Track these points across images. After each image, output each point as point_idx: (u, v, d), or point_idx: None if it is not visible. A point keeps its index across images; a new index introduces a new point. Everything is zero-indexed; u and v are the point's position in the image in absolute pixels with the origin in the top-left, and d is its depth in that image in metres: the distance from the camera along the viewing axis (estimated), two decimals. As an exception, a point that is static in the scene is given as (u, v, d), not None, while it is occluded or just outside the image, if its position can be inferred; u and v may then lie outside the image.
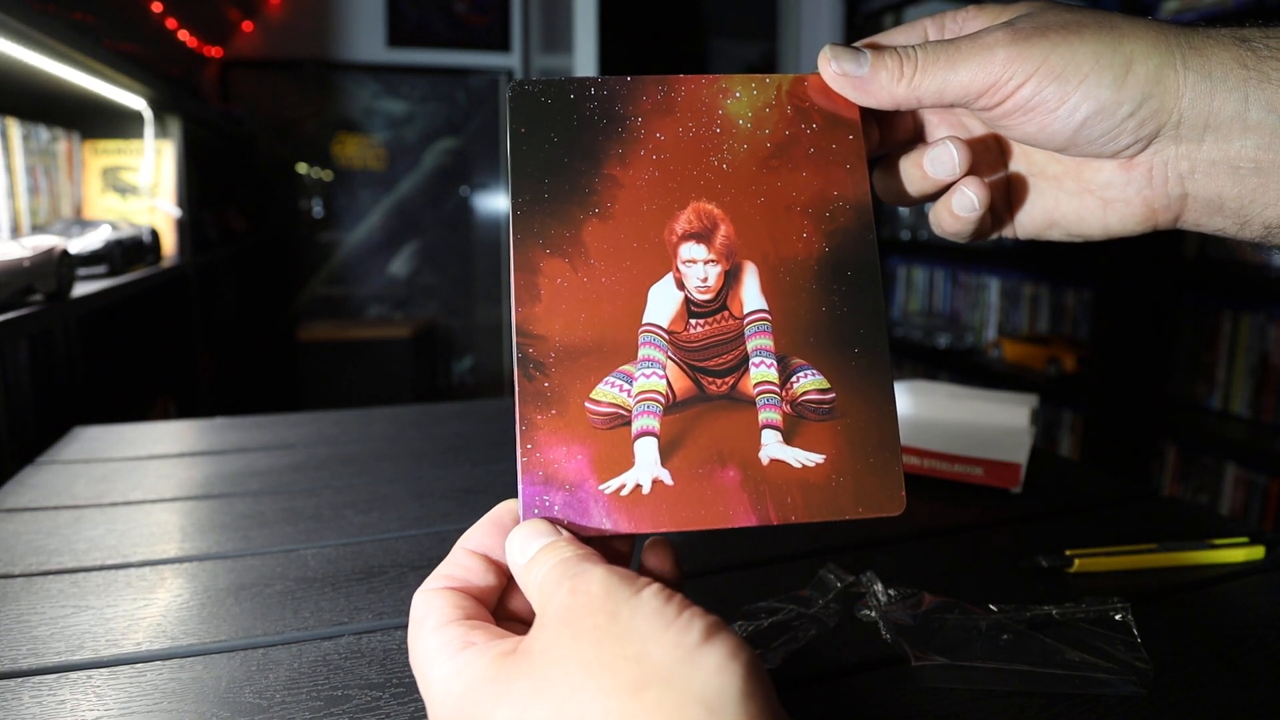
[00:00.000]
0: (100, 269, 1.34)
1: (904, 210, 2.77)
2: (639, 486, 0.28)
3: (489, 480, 0.71)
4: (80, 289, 1.16)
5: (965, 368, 2.41)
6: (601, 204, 0.30)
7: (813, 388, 0.30)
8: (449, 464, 0.75)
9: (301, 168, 3.16)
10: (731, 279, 0.30)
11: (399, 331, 2.95)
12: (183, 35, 2.44)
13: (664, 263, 0.30)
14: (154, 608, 0.48)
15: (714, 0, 4.47)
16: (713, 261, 0.30)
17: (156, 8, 2.13)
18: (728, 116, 0.32)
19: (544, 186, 0.30)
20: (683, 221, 0.30)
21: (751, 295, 0.30)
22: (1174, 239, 1.90)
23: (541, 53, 2.85)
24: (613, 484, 0.28)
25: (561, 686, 0.23)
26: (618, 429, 0.28)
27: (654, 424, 0.29)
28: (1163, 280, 1.92)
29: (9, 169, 1.32)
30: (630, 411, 0.29)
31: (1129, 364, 1.94)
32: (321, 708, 0.38)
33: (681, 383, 0.29)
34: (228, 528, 0.60)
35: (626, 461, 0.28)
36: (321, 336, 2.91)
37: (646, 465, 0.28)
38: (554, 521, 0.28)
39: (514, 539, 0.28)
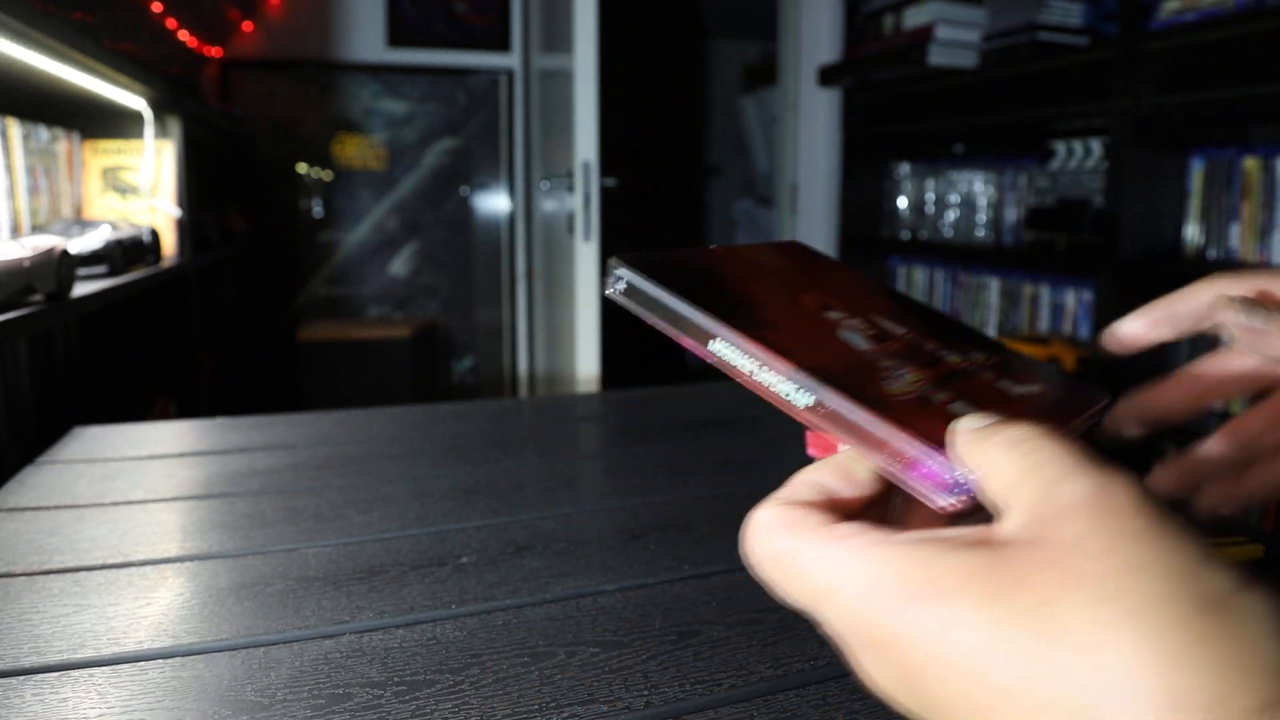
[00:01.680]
0: (100, 269, 1.34)
1: (904, 210, 2.77)
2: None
3: (489, 480, 0.71)
4: (80, 289, 1.16)
5: (965, 368, 2.40)
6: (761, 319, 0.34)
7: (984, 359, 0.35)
8: (449, 464, 0.75)
9: (301, 168, 3.16)
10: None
11: (399, 331, 2.95)
12: (183, 35, 2.44)
13: (831, 325, 0.34)
14: (155, 606, 0.48)
15: (714, 0, 4.47)
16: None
17: (156, 8, 2.13)
18: None
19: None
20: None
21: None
22: (1173, 238, 1.91)
23: (541, 53, 2.86)
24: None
25: (1109, 585, 0.19)
26: (927, 407, 0.30)
27: (944, 395, 0.30)
28: (1162, 280, 1.92)
29: (9, 169, 1.32)
30: (924, 390, 0.30)
31: (1129, 364, 1.94)
32: (323, 706, 0.38)
33: (924, 373, 0.32)
34: (228, 527, 0.60)
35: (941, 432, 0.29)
36: (321, 336, 2.91)
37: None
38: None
39: (961, 424, 0.25)
